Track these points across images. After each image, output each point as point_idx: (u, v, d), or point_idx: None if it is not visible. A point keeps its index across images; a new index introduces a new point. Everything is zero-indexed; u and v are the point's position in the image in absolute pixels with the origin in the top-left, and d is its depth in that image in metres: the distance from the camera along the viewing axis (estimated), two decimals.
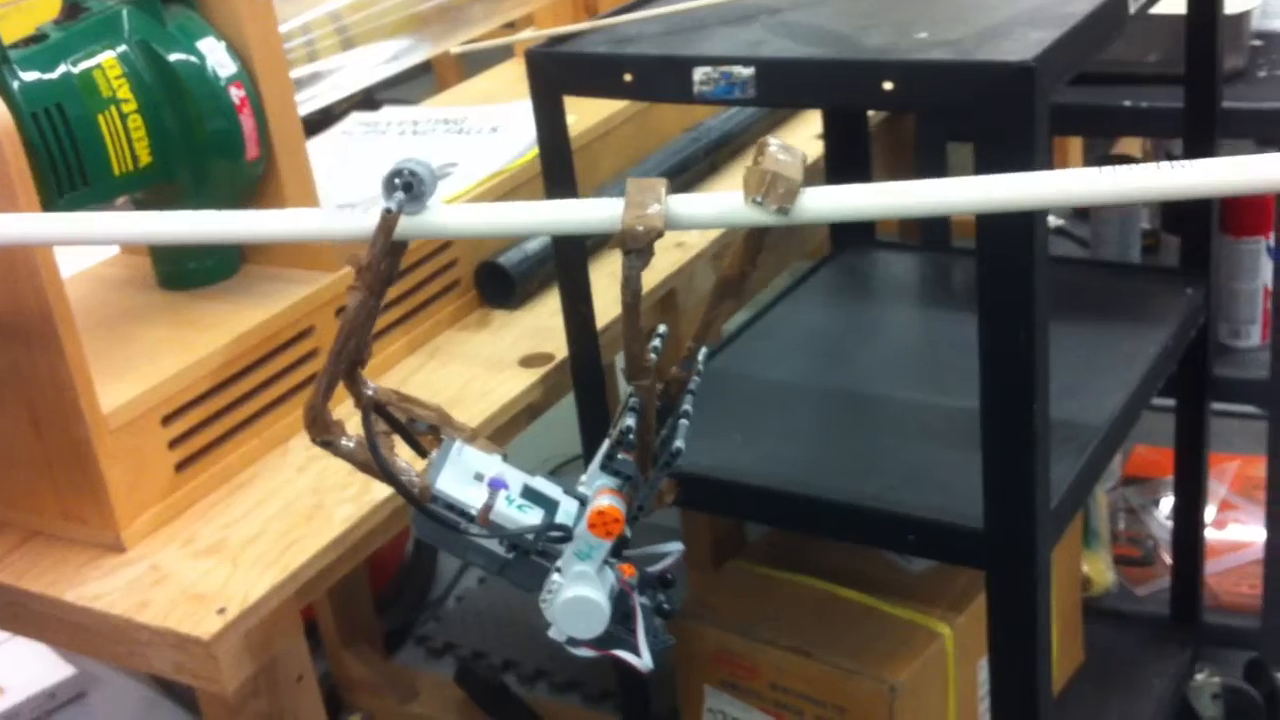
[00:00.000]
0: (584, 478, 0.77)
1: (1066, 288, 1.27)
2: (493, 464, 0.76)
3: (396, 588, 2.07)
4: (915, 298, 1.52)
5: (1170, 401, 1.48)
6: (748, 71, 0.96)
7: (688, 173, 1.53)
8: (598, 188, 1.42)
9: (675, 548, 0.77)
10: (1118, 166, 0.67)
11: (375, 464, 0.75)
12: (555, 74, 1.06)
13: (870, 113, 1.56)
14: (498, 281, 1.33)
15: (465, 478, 0.75)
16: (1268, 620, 1.64)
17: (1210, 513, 1.80)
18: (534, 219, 0.77)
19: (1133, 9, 1.02)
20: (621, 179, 1.45)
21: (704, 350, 0.80)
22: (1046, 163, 0.91)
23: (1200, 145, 1.38)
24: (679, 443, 0.75)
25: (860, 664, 1.24)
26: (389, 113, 1.60)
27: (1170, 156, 1.84)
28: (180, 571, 0.99)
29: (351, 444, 0.77)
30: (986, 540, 1.02)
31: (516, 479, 0.76)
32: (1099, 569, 1.77)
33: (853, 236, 1.53)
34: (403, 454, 0.77)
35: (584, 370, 1.17)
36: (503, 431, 1.17)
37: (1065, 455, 1.08)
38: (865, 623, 1.29)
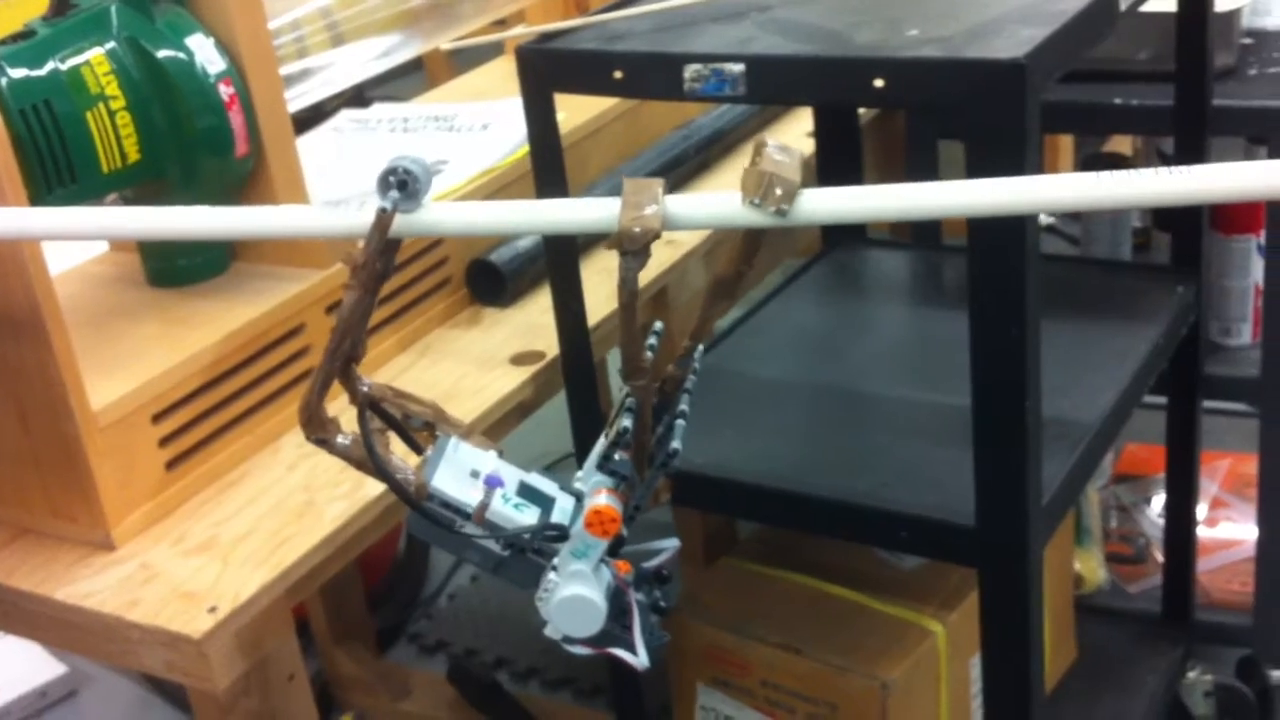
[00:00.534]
0: (580, 474, 0.77)
1: (1057, 285, 1.27)
2: (488, 461, 0.76)
3: (388, 585, 2.07)
4: (907, 295, 1.52)
5: (1162, 399, 1.48)
6: (738, 68, 0.96)
7: (679, 170, 1.52)
8: (588, 185, 1.42)
9: (671, 544, 0.77)
10: (1124, 171, 0.67)
11: (371, 462, 0.75)
12: (546, 71, 1.06)
13: (861, 110, 1.56)
14: (489, 279, 1.33)
15: (461, 475, 0.75)
16: (1260, 618, 1.65)
17: (1202, 510, 1.80)
18: (530, 218, 0.77)
19: (1123, 6, 1.02)
20: (613, 176, 1.45)
21: (700, 349, 0.80)
22: (1037, 161, 0.91)
23: (1191, 143, 1.38)
24: (676, 443, 0.75)
25: (852, 661, 1.24)
26: (379, 110, 1.59)
27: (1161, 154, 1.85)
28: (171, 570, 0.99)
29: (347, 442, 0.77)
30: (978, 538, 1.02)
31: (512, 476, 0.76)
32: (1091, 566, 1.77)
33: (844, 234, 1.53)
34: (397, 450, 0.77)
35: (575, 368, 1.17)
36: (494, 429, 1.17)
37: (1057, 453, 1.08)
38: (857, 620, 1.29)
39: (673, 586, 0.78)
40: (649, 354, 0.77)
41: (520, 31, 1.39)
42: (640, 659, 0.74)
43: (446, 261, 1.31)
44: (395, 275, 1.25)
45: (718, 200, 0.71)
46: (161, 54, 1.08)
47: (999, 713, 1.08)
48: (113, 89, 1.06)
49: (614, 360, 1.70)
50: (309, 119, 1.51)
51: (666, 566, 0.77)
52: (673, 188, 1.53)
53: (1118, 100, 1.50)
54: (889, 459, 1.15)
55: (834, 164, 1.48)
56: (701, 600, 1.34)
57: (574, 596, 0.73)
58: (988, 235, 0.92)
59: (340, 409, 0.76)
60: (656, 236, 0.70)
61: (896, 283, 1.53)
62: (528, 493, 0.75)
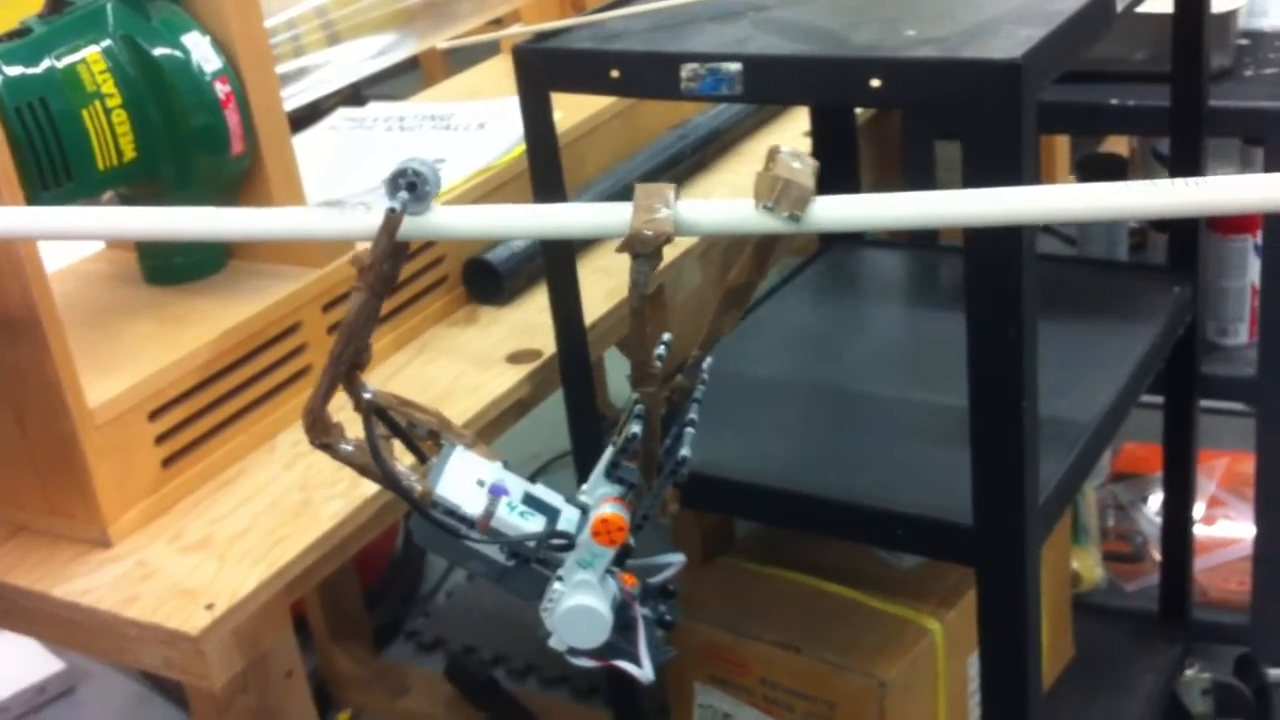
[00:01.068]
0: (584, 487, 0.76)
1: (1054, 285, 1.27)
2: (493, 470, 0.76)
3: (386, 583, 2.07)
4: (903, 295, 1.52)
5: (1159, 399, 1.48)
6: (735, 68, 0.96)
7: (675, 170, 1.52)
8: (585, 185, 1.42)
9: (676, 559, 0.76)
10: (1140, 183, 0.66)
11: (376, 468, 0.74)
12: (542, 70, 1.06)
13: (858, 110, 1.56)
14: (486, 278, 1.33)
15: (466, 483, 0.74)
16: (1257, 616, 1.65)
17: (1199, 509, 1.81)
18: (541, 222, 0.76)
19: (1120, 7, 1.03)
20: (609, 175, 1.45)
21: (709, 359, 0.80)
22: (1034, 161, 0.91)
23: (1187, 144, 1.38)
24: (685, 451, 0.75)
25: (850, 660, 1.24)
26: (376, 108, 1.59)
27: (1157, 155, 1.85)
28: (168, 567, 0.99)
29: (350, 447, 0.77)
30: (976, 536, 1.02)
31: (517, 486, 0.75)
32: (1088, 565, 1.77)
33: (841, 234, 1.53)
34: (400, 457, 0.77)
35: (572, 367, 1.17)
36: (491, 428, 1.17)
37: (1054, 452, 1.08)
38: (855, 618, 1.29)
39: (677, 602, 0.78)
40: (657, 362, 0.76)
41: (516, 31, 1.39)
42: (645, 672, 0.74)
43: (443, 260, 1.31)
44: None
45: (730, 205, 0.71)
46: (157, 52, 1.08)
47: (997, 711, 1.08)
48: (109, 87, 1.06)
49: (610, 359, 1.70)
50: (305, 118, 1.51)
51: (672, 581, 0.77)
52: None
53: (1114, 101, 1.51)
54: (886, 458, 1.15)
55: (831, 165, 1.48)
56: (699, 599, 1.34)
57: (580, 607, 0.72)
58: (985, 234, 0.92)
59: (338, 406, 0.76)
60: (669, 240, 0.70)
61: (893, 282, 1.53)
62: (533, 503, 0.75)
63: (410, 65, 2.07)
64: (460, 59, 1.74)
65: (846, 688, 1.23)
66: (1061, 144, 2.43)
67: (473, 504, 0.73)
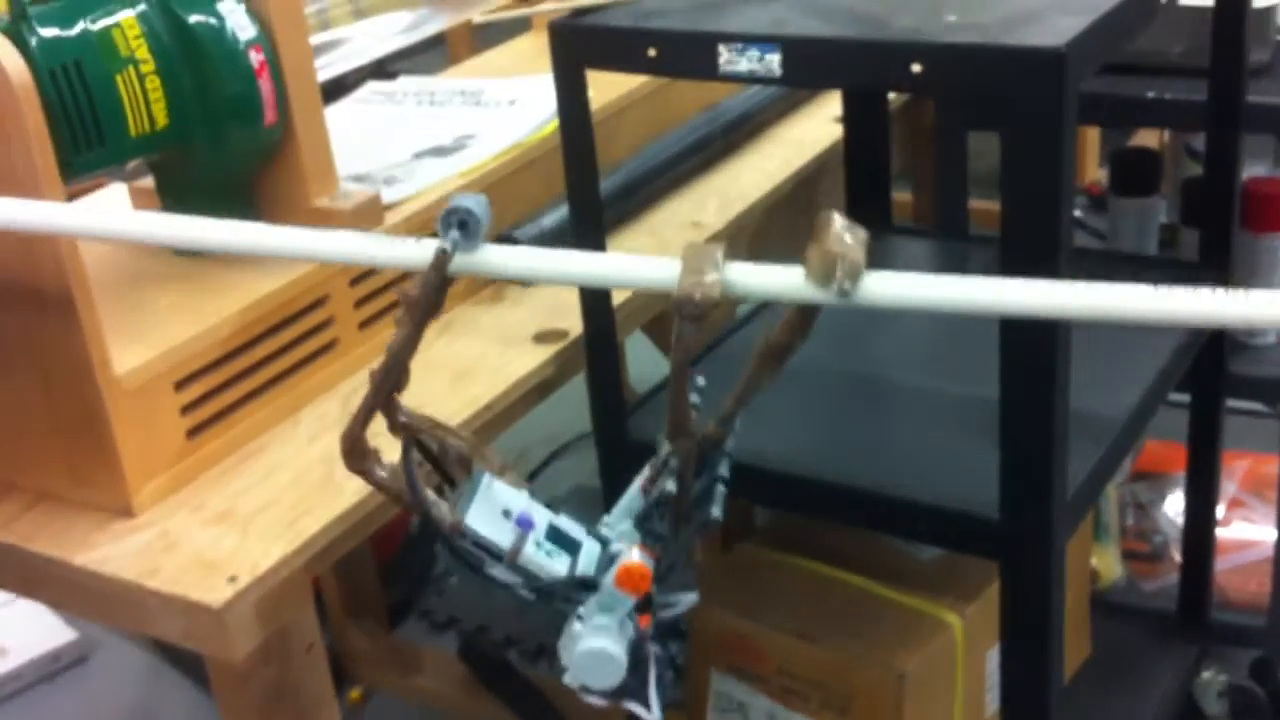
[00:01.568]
0: (607, 520, 0.78)
1: (1085, 279, 1.26)
2: (520, 500, 0.78)
3: (400, 560, 2.07)
4: None
5: (1180, 397, 1.47)
6: (774, 49, 0.95)
7: (704, 153, 1.52)
8: (614, 165, 1.41)
9: (689, 598, 0.78)
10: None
11: (411, 498, 0.76)
12: (578, 47, 1.05)
13: (890, 96, 1.55)
14: None
15: (493, 514, 0.77)
16: (1275, 619, 1.64)
17: (1220, 510, 1.79)
18: (588, 270, 0.78)
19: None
20: (638, 156, 1.44)
21: (741, 413, 0.80)
22: (1073, 152, 0.90)
23: (1223, 139, 1.36)
24: (716, 512, 0.76)
25: (868, 651, 1.23)
26: (406, 82, 1.59)
27: (1190, 150, 1.83)
28: (190, 538, 0.98)
29: (384, 474, 0.78)
30: (1002, 531, 1.01)
31: (542, 517, 0.77)
32: (1107, 563, 1.76)
33: (870, 222, 1.51)
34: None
35: (598, 348, 1.16)
36: (514, 408, 1.17)
37: (1083, 448, 1.07)
38: (874, 610, 1.28)
39: (686, 644, 0.79)
40: (694, 413, 0.77)
41: (550, 7, 1.37)
42: (654, 715, 0.75)
43: None
44: None
45: (780, 273, 0.71)
46: (192, 18, 1.07)
47: (1017, 706, 1.08)
48: (143, 52, 1.05)
49: (632, 343, 1.68)
50: (331, 91, 1.51)
51: (683, 620, 0.77)
52: (699, 169, 1.53)
53: (1150, 94, 1.49)
54: (911, 449, 1.14)
55: (862, 152, 1.47)
56: (718, 586, 1.34)
57: (597, 650, 0.74)
58: (1021, 225, 0.91)
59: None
60: (716, 305, 0.70)
61: (922, 271, 1.51)
62: (556, 536, 0.76)
63: (435, 42, 2.06)
64: (486, 38, 1.73)
65: (864, 679, 1.23)
66: (1092, 136, 2.41)
67: (500, 537, 0.74)
